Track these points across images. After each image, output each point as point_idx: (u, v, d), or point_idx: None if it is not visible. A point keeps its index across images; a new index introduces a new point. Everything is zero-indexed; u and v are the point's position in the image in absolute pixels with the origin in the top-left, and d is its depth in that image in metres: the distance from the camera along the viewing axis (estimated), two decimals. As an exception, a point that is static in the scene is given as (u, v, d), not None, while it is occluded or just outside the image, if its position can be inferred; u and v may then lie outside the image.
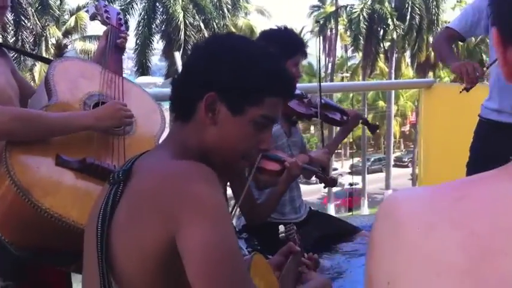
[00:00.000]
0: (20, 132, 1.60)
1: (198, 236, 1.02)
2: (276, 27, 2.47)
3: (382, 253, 0.60)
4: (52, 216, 1.52)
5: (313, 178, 2.59)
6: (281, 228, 1.67)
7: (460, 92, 2.55)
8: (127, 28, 2.24)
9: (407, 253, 0.57)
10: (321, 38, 34.18)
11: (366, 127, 2.94)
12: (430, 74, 30.14)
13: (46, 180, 1.59)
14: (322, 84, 2.97)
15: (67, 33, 23.16)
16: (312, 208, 2.76)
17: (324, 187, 2.59)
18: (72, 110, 1.77)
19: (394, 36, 27.24)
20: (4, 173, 1.55)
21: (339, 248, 2.52)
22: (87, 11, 2.22)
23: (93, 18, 2.17)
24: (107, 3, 2.29)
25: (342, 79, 35.92)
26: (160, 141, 1.92)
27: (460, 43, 3.13)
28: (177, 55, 14.86)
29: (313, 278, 1.57)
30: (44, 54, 21.44)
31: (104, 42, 2.08)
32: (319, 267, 1.71)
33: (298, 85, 2.62)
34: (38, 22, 21.22)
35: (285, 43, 2.36)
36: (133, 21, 23.35)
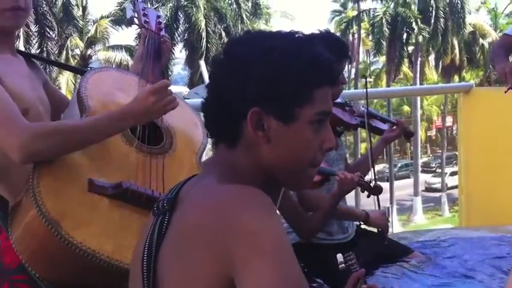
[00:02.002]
0: (49, 149, 1.43)
1: (257, 278, 0.86)
2: (318, 31, 2.30)
3: None
4: (84, 251, 1.36)
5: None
6: (339, 258, 1.50)
7: (505, 92, 2.49)
8: (167, 32, 2.07)
9: None
10: (344, 43, 33.95)
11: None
12: (456, 77, 29.73)
13: (78, 210, 1.43)
14: (357, 91, 2.81)
15: (90, 44, 23.30)
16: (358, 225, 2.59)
17: (368, 196, 2.38)
18: None
19: (420, 39, 26.88)
20: (31, 202, 1.39)
21: (389, 270, 2.36)
22: (125, 16, 2.06)
23: (130, 22, 2.01)
24: (145, 5, 2.12)
25: (365, 84, 35.64)
26: (203, 158, 1.77)
27: None
28: (202, 64, 14.73)
29: None
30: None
31: (142, 49, 1.92)
32: None
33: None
34: (63, 33, 21.38)
35: (331, 48, 2.20)
36: (156, 30, 23.38)
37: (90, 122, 1.52)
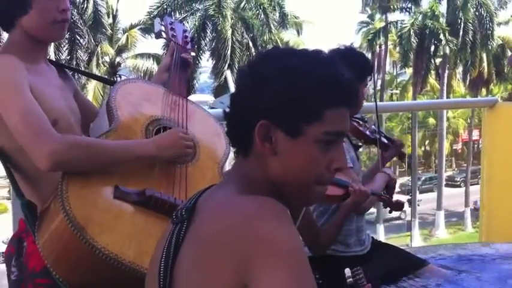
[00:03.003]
0: (78, 162, 1.51)
1: (272, 284, 0.90)
2: (343, 47, 2.34)
3: None
4: (107, 256, 1.43)
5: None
6: (347, 272, 1.54)
7: None
8: (193, 46, 2.15)
9: None
10: (370, 54, 33.92)
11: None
12: (483, 90, 29.37)
13: (103, 216, 1.50)
14: (381, 103, 2.84)
15: (120, 51, 23.65)
16: (374, 237, 2.61)
17: (390, 212, 2.41)
18: (133, 136, 1.68)
19: (447, 51, 26.66)
20: (59, 207, 1.47)
21: (405, 284, 2.36)
22: (153, 28, 2.13)
23: (158, 36, 2.08)
24: (173, 19, 2.20)
25: (392, 96, 35.43)
26: (227, 167, 1.83)
27: None
28: (228, 73, 14.83)
29: None
30: (95, 72, 21.96)
31: (168, 61, 2.00)
32: None
33: None
34: (92, 41, 21.72)
35: (356, 65, 2.25)
36: (183, 39, 23.56)
37: (122, 147, 1.60)
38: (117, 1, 23.78)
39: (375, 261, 2.35)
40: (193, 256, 1.01)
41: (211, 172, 1.76)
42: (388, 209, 2.35)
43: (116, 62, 23.66)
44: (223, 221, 0.99)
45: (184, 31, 2.16)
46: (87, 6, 21.26)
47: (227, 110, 1.13)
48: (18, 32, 1.70)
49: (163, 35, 2.08)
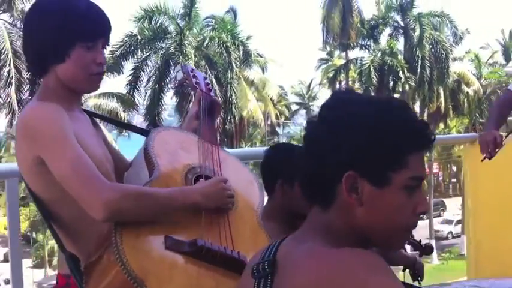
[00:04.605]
0: (132, 210, 1.48)
1: None
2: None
3: None
4: None
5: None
6: None
7: (482, 160, 2.68)
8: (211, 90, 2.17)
9: None
10: (331, 90, 34.53)
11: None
12: (441, 124, 30.21)
13: (159, 267, 1.46)
14: None
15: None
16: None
17: (420, 255, 2.37)
18: (174, 184, 1.66)
19: (406, 88, 27.44)
20: (114, 260, 1.42)
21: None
22: (175, 76, 2.14)
23: (181, 83, 2.09)
24: (194, 67, 2.22)
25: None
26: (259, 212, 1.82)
27: None
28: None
29: None
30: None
31: (196, 109, 2.00)
32: None
33: None
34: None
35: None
36: (146, 77, 23.55)
37: (169, 195, 1.58)
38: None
39: None
40: None
41: (250, 220, 1.75)
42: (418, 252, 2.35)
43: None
44: (324, 272, 0.99)
45: (205, 78, 2.17)
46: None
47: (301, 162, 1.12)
48: (52, 78, 1.66)
49: (187, 82, 2.09)
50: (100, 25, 1.67)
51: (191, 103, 2.22)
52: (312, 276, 1.00)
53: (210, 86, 2.13)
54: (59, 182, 1.51)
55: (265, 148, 2.34)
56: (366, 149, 1.04)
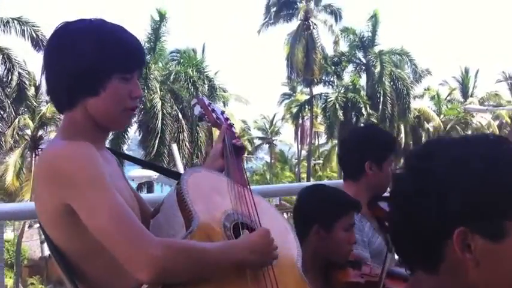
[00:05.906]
0: (181, 270, 1.31)
1: None
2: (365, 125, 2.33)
3: None
4: None
5: None
6: None
7: None
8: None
9: None
10: (294, 125, 34.75)
11: None
12: (402, 160, 30.66)
13: None
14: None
15: (42, 124, 22.77)
16: None
17: None
18: (215, 234, 1.48)
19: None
20: None
21: None
22: (192, 111, 1.98)
23: (201, 119, 1.95)
24: (210, 101, 2.06)
25: (314, 166, 36.14)
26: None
27: None
28: (175, 147, 14.61)
29: None
30: (11, 144, 20.88)
31: (221, 146, 1.82)
32: None
33: None
34: (13, 113, 20.89)
35: (383, 142, 2.30)
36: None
37: (218, 251, 1.41)
38: (41, 73, 23.12)
39: None
40: None
41: (292, 273, 1.60)
42: None
43: (37, 136, 22.76)
44: None
45: (223, 112, 2.03)
46: (11, 78, 20.51)
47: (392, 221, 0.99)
48: (79, 113, 1.46)
49: (206, 117, 1.94)
50: (138, 55, 1.50)
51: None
52: None
53: (229, 121, 1.99)
54: (92, 235, 1.31)
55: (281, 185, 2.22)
56: (477, 198, 0.89)
